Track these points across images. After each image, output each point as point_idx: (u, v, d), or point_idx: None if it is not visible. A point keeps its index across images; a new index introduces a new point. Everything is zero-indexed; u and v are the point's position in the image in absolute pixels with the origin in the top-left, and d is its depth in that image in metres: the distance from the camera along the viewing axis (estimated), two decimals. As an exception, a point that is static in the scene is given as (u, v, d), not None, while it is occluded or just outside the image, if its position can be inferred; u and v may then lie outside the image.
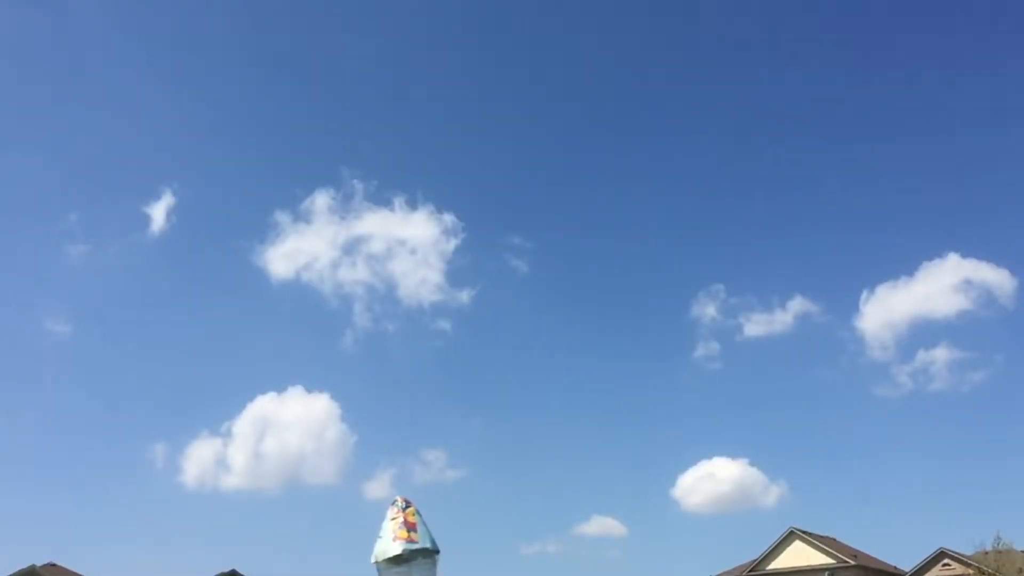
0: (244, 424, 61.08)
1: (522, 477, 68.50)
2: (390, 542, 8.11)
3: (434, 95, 78.37)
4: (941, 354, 63.48)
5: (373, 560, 8.18)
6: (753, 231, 76.36)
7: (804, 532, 48.14)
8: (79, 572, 44.48)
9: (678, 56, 79.85)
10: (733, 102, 79.13)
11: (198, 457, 62.72)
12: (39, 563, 43.15)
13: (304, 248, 65.49)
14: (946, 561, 48.27)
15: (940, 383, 64.22)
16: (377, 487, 61.90)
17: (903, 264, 74.41)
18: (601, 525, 62.48)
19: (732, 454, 61.73)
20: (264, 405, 60.16)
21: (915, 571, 49.13)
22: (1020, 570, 42.97)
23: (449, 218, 66.83)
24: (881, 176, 75.40)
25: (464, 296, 68.06)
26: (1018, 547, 45.78)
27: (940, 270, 62.79)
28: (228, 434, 60.89)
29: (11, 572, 41.80)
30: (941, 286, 62.65)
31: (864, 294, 66.01)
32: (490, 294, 70.77)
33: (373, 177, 74.24)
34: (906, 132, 75.19)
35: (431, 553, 8.16)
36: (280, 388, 65.81)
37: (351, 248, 67.34)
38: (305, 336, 74.96)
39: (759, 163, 79.06)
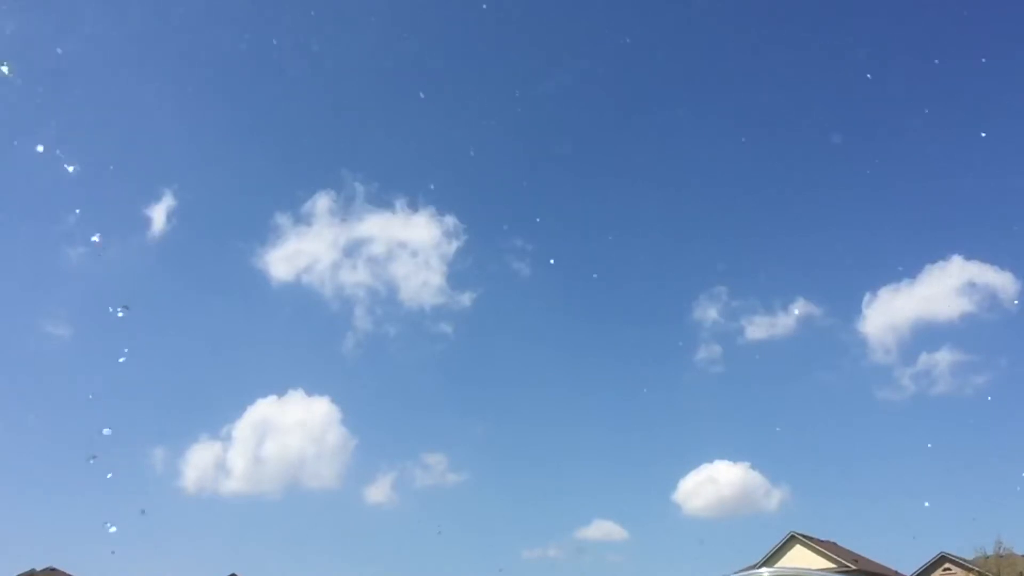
0: (244, 428, 60.89)
1: (523, 481, 68.29)
2: None
3: (436, 97, 78.14)
4: (944, 357, 63.08)
5: None
6: (755, 233, 76.11)
7: (805, 536, 48.07)
8: (78, 576, 44.42)
9: (679, 57, 79.73)
10: (735, 103, 78.97)
11: (198, 461, 62.45)
12: (38, 567, 43.13)
13: (304, 250, 65.29)
14: (947, 565, 48.28)
15: (943, 386, 63.92)
16: (378, 491, 61.70)
17: (906, 266, 73.81)
18: (602, 529, 62.26)
19: (733, 458, 61.32)
20: (264, 408, 59.97)
21: (916, 575, 49.13)
22: (1021, 574, 42.96)
23: (450, 220, 66.57)
24: (884, 177, 75.14)
25: (466, 299, 67.74)
26: (1019, 552, 45.79)
27: (943, 273, 62.40)
28: (228, 438, 60.70)
29: (10, 576, 41.75)
30: (944, 289, 62.28)
31: (867, 296, 65.79)
32: (492, 297, 70.51)
33: (374, 179, 73.80)
34: (909, 132, 74.93)
35: None
36: (280, 391, 65.63)
37: (352, 250, 67.17)
38: (305, 339, 74.73)
39: (761, 164, 78.85)
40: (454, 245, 65.08)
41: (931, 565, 48.66)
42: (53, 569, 43.78)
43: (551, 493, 67.20)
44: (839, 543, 49.53)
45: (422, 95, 73.32)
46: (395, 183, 73.20)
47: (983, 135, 69.85)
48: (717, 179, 78.48)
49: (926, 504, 62.06)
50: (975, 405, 62.73)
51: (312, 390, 60.23)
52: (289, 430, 59.05)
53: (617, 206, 77.51)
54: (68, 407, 61.62)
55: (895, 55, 72.16)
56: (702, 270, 77.20)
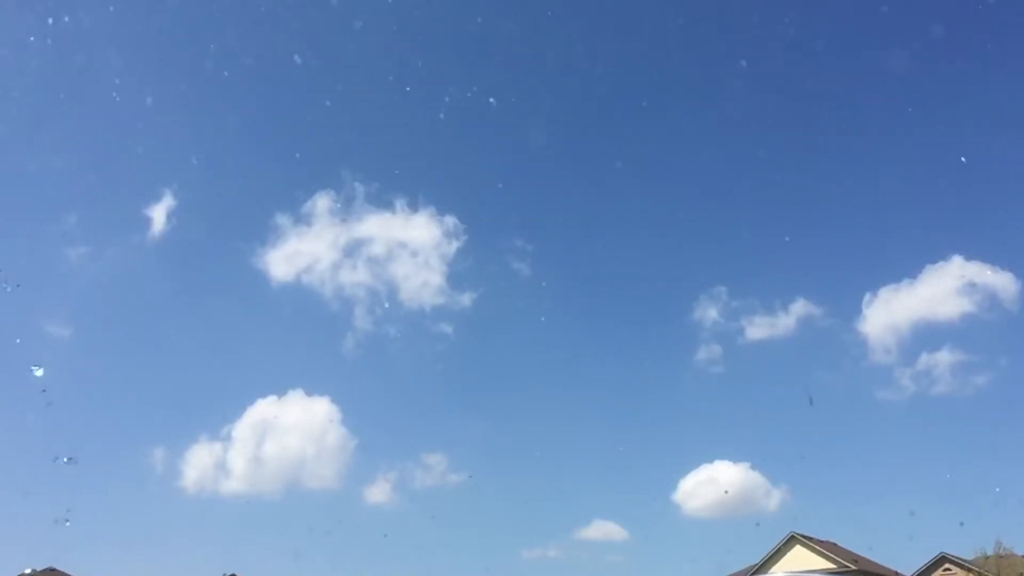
0: (244, 428, 60.98)
1: (523, 481, 68.37)
2: None
3: (436, 97, 78.34)
4: (944, 357, 63.13)
5: None
6: (755, 233, 76.20)
7: (805, 537, 48.04)
8: (78, 577, 44.40)
9: (679, 57, 79.82)
10: (735, 103, 79.04)
11: (197, 461, 62.55)
12: (39, 567, 43.11)
13: (304, 250, 65.46)
14: (947, 566, 48.24)
15: (943, 386, 63.97)
16: (378, 491, 61.78)
17: (906, 266, 73.98)
18: (602, 529, 62.32)
19: (733, 458, 61.37)
20: (264, 409, 60.04)
21: (916, 575, 49.10)
22: (1021, 575, 42.94)
23: (451, 220, 66.67)
24: (884, 177, 75.20)
25: (466, 299, 67.86)
26: (1019, 552, 45.76)
27: (943, 273, 62.41)
28: (228, 438, 60.78)
29: (11, 576, 41.73)
30: (944, 289, 62.34)
31: (867, 296, 65.81)
32: (492, 297, 70.70)
33: (374, 179, 73.89)
34: (909, 132, 75.02)
35: None
36: (280, 392, 65.77)
37: (352, 251, 67.28)
38: (305, 339, 74.85)
39: (761, 164, 78.94)
40: (454, 245, 65.17)
41: (931, 565, 48.61)
42: (53, 569, 43.76)
43: (551, 493, 67.33)
44: (839, 543, 49.53)
45: (408, 88, 73.71)
46: (395, 183, 73.29)
47: (985, 134, 70.20)
48: (717, 179, 78.57)
49: (912, 513, 62.81)
50: (975, 405, 62.90)
51: (312, 390, 60.36)
52: (289, 430, 59.20)
53: (617, 207, 77.60)
54: (68, 407, 61.75)
55: (895, 55, 72.23)
56: (702, 270, 77.30)
